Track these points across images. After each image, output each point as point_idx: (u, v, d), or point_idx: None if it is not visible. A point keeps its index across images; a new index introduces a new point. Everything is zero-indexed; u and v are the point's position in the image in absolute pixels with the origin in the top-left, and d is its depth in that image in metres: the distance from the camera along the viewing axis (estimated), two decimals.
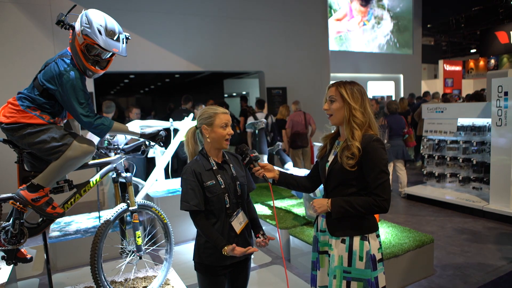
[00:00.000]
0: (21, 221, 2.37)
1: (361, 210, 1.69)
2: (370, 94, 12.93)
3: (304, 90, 9.33)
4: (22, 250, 2.53)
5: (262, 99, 7.55)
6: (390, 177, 6.02)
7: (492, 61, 15.93)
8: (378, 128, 1.81)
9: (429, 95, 9.47)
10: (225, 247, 1.82)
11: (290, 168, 4.57)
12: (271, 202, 4.86)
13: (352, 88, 1.77)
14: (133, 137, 2.67)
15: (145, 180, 4.49)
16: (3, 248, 2.38)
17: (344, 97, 1.76)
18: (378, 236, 1.83)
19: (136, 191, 4.39)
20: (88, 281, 3.15)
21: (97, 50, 2.30)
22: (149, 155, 4.72)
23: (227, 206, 1.92)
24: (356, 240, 1.75)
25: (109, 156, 2.75)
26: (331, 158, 1.87)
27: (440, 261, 3.72)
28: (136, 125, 3.92)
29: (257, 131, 4.74)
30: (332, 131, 1.98)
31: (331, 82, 2.24)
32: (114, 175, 2.74)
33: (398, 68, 13.50)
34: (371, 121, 1.77)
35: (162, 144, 2.76)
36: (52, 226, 4.17)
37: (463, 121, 5.60)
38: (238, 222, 1.96)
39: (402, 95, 12.80)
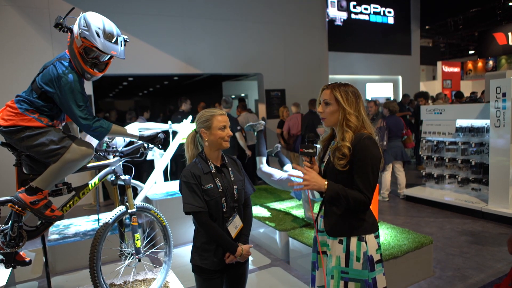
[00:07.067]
0: (20, 224, 2.37)
1: (350, 202, 1.66)
2: (368, 96, 12.94)
3: (302, 92, 9.33)
4: (21, 253, 2.53)
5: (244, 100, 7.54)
6: (389, 178, 6.04)
7: (491, 62, 15.97)
8: (375, 130, 1.82)
9: (422, 98, 8.93)
10: (238, 247, 1.90)
11: (289, 170, 4.57)
12: (269, 204, 4.87)
13: (346, 91, 1.77)
14: (132, 139, 2.68)
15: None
16: (1, 251, 2.38)
17: (339, 101, 1.76)
18: (377, 237, 1.82)
19: (135, 194, 4.39)
20: (87, 283, 3.14)
21: (96, 53, 2.31)
22: (148, 158, 4.72)
23: (224, 210, 1.93)
24: (353, 240, 1.75)
25: (107, 159, 2.75)
26: (326, 158, 1.89)
27: (439, 262, 3.72)
28: (135, 128, 3.94)
29: (255, 133, 4.74)
30: (328, 132, 1.98)
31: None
32: (113, 178, 2.74)
33: (397, 69, 13.51)
34: (365, 122, 1.77)
35: (161, 147, 2.76)
36: (51, 229, 4.16)
37: (462, 122, 5.61)
38: (234, 226, 1.97)
39: (400, 97, 12.79)
